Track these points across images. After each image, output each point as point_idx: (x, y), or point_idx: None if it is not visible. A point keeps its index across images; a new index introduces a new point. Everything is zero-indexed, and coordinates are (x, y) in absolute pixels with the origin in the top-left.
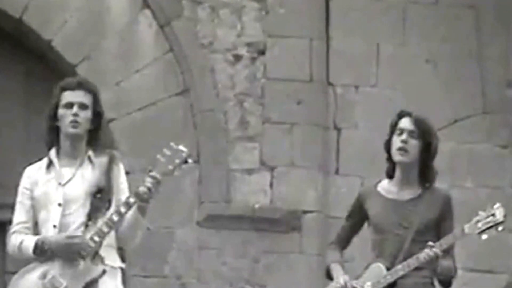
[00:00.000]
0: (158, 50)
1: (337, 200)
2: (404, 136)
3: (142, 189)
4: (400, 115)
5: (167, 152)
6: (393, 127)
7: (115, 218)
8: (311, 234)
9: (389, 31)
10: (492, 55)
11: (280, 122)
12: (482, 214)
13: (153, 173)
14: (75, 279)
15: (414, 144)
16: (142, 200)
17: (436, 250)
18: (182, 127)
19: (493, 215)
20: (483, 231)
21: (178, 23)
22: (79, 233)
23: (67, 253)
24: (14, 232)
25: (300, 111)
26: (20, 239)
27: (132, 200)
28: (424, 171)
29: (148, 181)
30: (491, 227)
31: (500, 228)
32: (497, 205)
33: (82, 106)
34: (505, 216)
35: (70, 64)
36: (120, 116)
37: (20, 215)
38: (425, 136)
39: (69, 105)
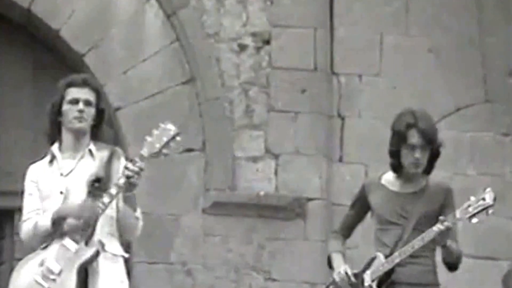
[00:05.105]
0: (164, 40)
1: (341, 188)
2: (417, 154)
3: (130, 168)
4: (407, 126)
5: (155, 131)
6: (400, 139)
7: (121, 182)
8: (315, 221)
9: (392, 20)
10: (494, 44)
11: (285, 110)
12: (472, 199)
13: (141, 152)
14: (70, 262)
15: (426, 155)
16: (131, 184)
17: (432, 234)
18: (188, 116)
19: (483, 199)
20: (473, 215)
21: (184, 13)
22: None
23: (79, 218)
24: (26, 220)
25: (305, 100)
26: (34, 222)
27: (122, 181)
28: (430, 168)
29: (137, 162)
30: (481, 211)
31: (490, 211)
32: (488, 189)
33: (87, 103)
34: (494, 199)
35: (78, 53)
36: (127, 105)
37: (31, 204)
38: (433, 143)
39: (75, 101)
